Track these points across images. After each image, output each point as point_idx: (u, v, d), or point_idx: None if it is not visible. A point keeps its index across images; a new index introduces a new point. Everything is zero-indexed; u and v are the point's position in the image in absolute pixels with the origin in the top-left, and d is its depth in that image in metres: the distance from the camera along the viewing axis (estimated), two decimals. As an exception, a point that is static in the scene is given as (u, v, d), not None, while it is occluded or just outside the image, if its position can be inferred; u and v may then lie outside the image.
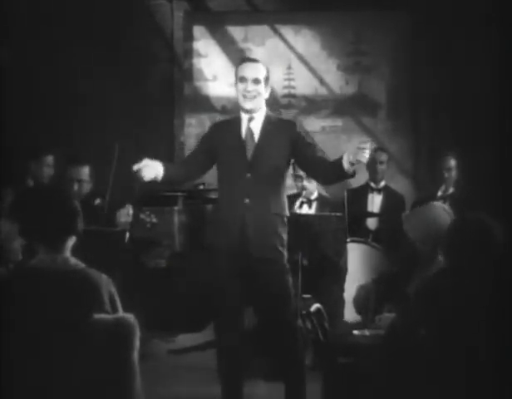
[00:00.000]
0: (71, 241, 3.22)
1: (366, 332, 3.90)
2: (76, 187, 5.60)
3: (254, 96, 4.48)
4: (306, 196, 6.05)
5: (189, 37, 7.76)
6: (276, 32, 7.76)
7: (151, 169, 4.37)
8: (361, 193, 6.85)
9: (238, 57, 7.49)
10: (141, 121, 7.47)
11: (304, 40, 7.75)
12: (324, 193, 6.65)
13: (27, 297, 3.06)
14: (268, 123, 4.52)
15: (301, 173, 5.93)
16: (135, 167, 4.34)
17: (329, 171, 4.40)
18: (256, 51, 7.50)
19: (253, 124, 4.51)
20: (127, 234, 4.93)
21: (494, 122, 7.07)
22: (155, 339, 5.85)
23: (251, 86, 4.47)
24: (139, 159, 4.35)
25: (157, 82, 7.64)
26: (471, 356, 3.27)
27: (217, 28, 7.77)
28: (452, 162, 6.51)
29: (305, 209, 6.04)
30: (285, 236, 4.49)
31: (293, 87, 7.78)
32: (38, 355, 3.03)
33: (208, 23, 7.77)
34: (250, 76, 4.48)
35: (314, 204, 6.17)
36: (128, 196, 5.41)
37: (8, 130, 6.98)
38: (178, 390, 5.11)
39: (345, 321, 5.51)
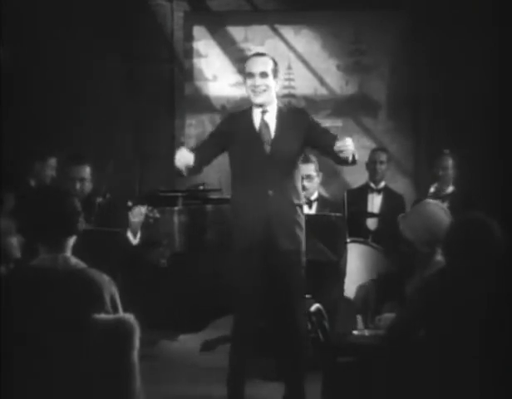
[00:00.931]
0: (72, 240, 3.22)
1: (366, 332, 3.90)
2: (77, 186, 5.60)
3: (264, 90, 4.50)
4: (306, 196, 6.04)
5: (189, 37, 7.77)
6: (276, 31, 7.77)
7: (184, 159, 4.39)
8: (361, 193, 6.84)
9: (239, 57, 7.52)
10: (142, 121, 7.48)
11: (304, 40, 7.76)
12: (324, 193, 6.66)
13: (28, 296, 3.06)
14: (281, 115, 4.57)
15: (301, 173, 5.92)
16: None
17: (336, 158, 4.46)
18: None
19: (267, 116, 4.55)
20: (139, 234, 4.93)
21: (494, 122, 7.07)
22: (163, 340, 5.85)
23: (259, 81, 4.50)
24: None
25: (157, 82, 7.64)
26: (471, 356, 3.28)
27: (217, 28, 7.78)
28: (449, 161, 6.49)
29: (305, 210, 6.04)
30: (304, 225, 4.56)
31: (293, 87, 7.78)
32: (38, 355, 3.03)
33: (208, 23, 7.78)
34: (257, 71, 4.51)
35: (314, 205, 6.16)
36: (128, 196, 5.42)
37: (9, 131, 6.98)
38: (178, 390, 5.11)
39: (345, 321, 5.51)
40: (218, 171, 6.91)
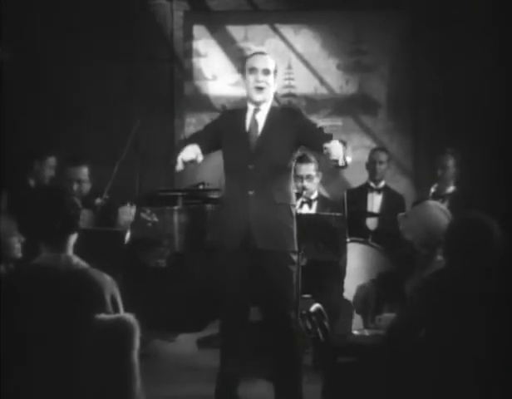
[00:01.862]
0: (73, 239, 3.22)
1: (366, 332, 3.90)
2: (75, 187, 5.60)
3: (264, 87, 4.49)
4: (306, 196, 6.04)
5: (189, 37, 7.77)
6: (276, 31, 7.76)
7: (192, 154, 4.39)
8: (361, 193, 6.85)
9: (238, 57, 7.52)
10: (141, 121, 7.46)
11: (304, 39, 7.75)
12: (324, 193, 6.66)
13: (30, 295, 3.06)
14: (272, 114, 4.55)
15: (301, 173, 5.94)
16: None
17: (328, 159, 4.37)
18: (256, 51, 7.51)
19: (259, 115, 4.54)
20: (128, 234, 4.93)
21: (494, 122, 7.07)
22: (156, 339, 5.85)
23: (261, 76, 4.49)
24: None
25: (157, 82, 7.63)
26: (471, 356, 3.27)
27: (217, 28, 7.77)
28: (449, 160, 6.49)
29: (305, 209, 6.04)
30: (293, 226, 4.50)
31: (293, 87, 7.78)
32: (38, 354, 3.03)
33: (207, 23, 7.78)
34: (260, 67, 4.51)
35: (314, 204, 6.16)
36: (128, 196, 5.42)
37: (9, 131, 6.98)
38: (178, 390, 5.11)
39: (345, 321, 5.51)
40: (218, 171, 6.96)
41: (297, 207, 6.09)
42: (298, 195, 6.22)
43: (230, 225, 4.45)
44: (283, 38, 7.76)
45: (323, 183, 6.67)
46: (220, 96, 7.77)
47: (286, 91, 7.73)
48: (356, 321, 4.65)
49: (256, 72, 4.50)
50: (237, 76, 7.57)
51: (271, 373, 4.72)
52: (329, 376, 3.76)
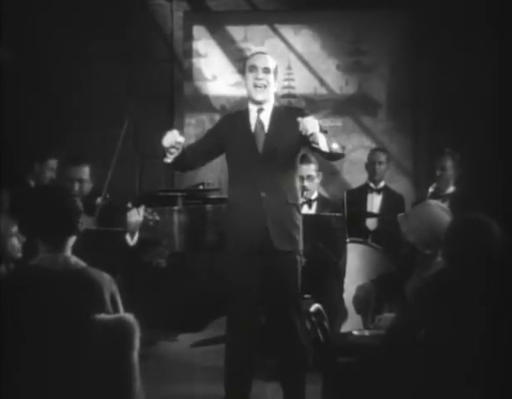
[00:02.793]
0: (72, 240, 3.22)
1: (366, 332, 3.90)
2: (76, 187, 5.59)
3: (265, 86, 4.50)
4: (306, 196, 6.04)
5: (189, 37, 7.77)
6: (276, 31, 7.76)
7: (172, 137, 4.43)
8: (361, 193, 6.85)
9: (238, 57, 7.52)
10: (141, 121, 7.46)
11: (304, 40, 7.75)
12: (324, 193, 6.66)
13: (28, 296, 3.06)
14: (277, 113, 4.55)
15: (302, 173, 5.93)
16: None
17: (323, 154, 4.38)
18: (256, 51, 7.51)
19: (263, 115, 4.54)
20: (136, 235, 4.92)
21: (494, 122, 7.07)
22: (160, 340, 5.85)
23: (261, 75, 4.50)
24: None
25: (157, 82, 7.63)
26: (471, 356, 3.28)
27: (216, 28, 7.77)
28: (448, 161, 6.49)
29: (305, 210, 6.04)
30: (301, 225, 4.53)
31: (293, 87, 7.78)
32: (38, 354, 3.03)
33: (207, 23, 7.78)
34: (260, 66, 4.51)
35: (314, 205, 6.17)
36: (128, 196, 5.41)
37: (9, 131, 6.98)
38: (178, 390, 5.11)
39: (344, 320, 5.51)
40: (218, 171, 6.97)
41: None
42: (298, 195, 6.24)
43: (245, 228, 4.44)
44: (282, 38, 7.76)
45: (323, 183, 6.68)
46: (220, 96, 7.77)
47: (285, 91, 7.73)
48: (357, 321, 4.66)
49: (256, 70, 4.50)
50: (237, 77, 7.58)
51: (274, 374, 4.74)
52: (329, 376, 3.76)
